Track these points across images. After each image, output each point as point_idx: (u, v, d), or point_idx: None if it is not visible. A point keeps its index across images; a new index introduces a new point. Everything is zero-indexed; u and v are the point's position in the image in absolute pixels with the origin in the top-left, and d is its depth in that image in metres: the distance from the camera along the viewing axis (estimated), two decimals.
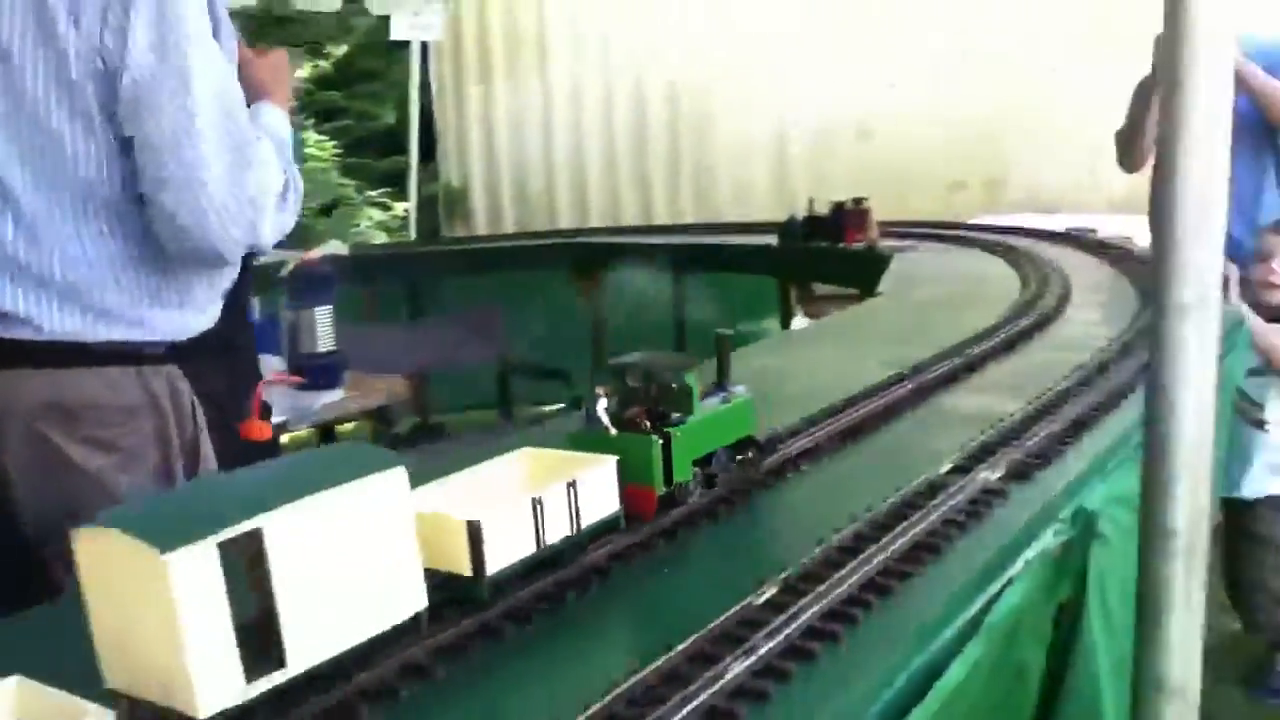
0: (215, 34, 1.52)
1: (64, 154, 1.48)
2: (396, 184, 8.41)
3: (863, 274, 3.47)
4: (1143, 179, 6.57)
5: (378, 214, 8.43)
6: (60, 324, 1.51)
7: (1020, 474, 1.23)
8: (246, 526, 0.70)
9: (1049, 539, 1.13)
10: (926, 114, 7.09)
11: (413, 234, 6.97)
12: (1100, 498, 1.24)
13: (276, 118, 1.64)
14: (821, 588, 0.93)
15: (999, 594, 1.04)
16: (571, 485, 0.97)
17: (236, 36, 1.63)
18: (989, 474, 1.21)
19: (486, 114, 8.09)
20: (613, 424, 1.08)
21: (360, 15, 7.79)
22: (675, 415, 1.10)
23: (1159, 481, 1.04)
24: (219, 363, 1.64)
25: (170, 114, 1.43)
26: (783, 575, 0.95)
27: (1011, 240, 3.33)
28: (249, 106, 1.55)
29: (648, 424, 1.09)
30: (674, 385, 1.11)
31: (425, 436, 4.82)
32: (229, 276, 1.65)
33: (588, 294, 4.71)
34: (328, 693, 0.76)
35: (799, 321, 4.90)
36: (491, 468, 1.04)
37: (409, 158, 7.01)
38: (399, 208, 8.36)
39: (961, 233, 3.82)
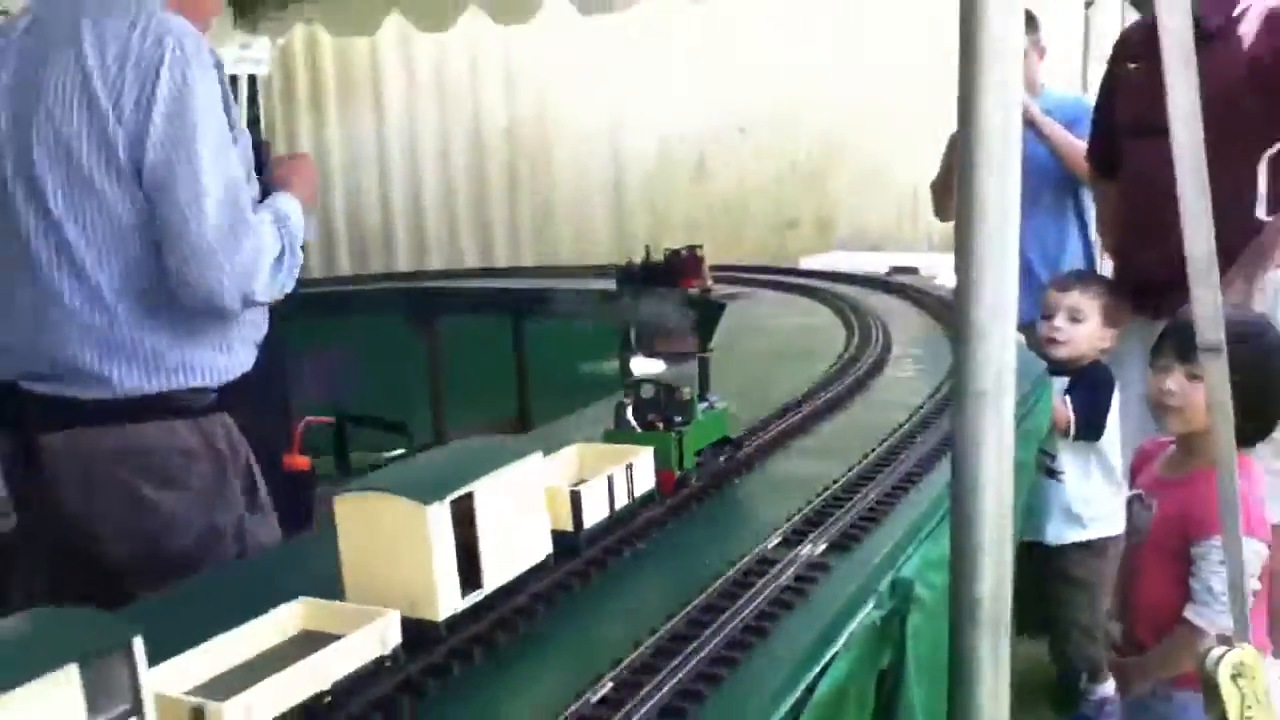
0: (231, 127, 1.83)
1: (113, 218, 1.76)
2: None
3: (697, 321, 3.56)
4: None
5: None
6: (129, 379, 1.80)
7: (842, 546, 1.29)
8: (464, 490, 1.02)
9: (870, 611, 1.19)
10: (762, 154, 7.32)
11: None
12: (916, 564, 1.32)
13: (290, 204, 1.95)
14: (657, 679, 0.96)
15: (825, 668, 1.09)
16: (629, 467, 1.33)
17: (269, 141, 1.98)
18: (812, 549, 1.26)
19: (320, 150, 7.92)
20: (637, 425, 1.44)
21: None
22: (679, 419, 1.44)
23: (965, 555, 1.11)
24: (258, 402, 1.98)
25: (181, 196, 1.72)
26: (618, 669, 0.97)
27: (839, 288, 3.46)
28: (274, 193, 1.94)
29: (661, 425, 1.43)
30: (679, 396, 1.47)
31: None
32: (260, 327, 1.97)
33: (425, 340, 4.65)
34: (500, 607, 1.09)
35: (639, 363, 4.98)
36: (563, 456, 1.37)
37: None
38: None
39: (792, 279, 3.95)
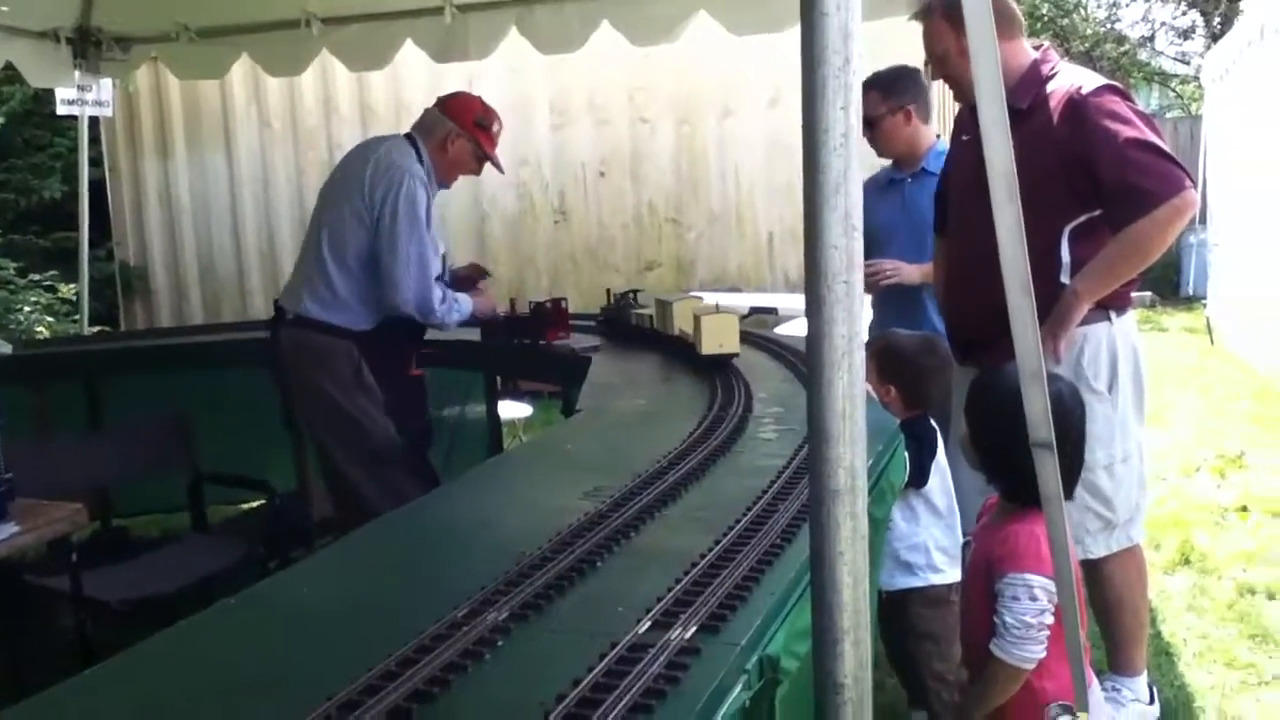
0: (427, 226, 3.37)
1: (346, 240, 3.41)
2: (63, 264, 7.75)
3: (563, 372, 3.63)
4: None
5: (44, 297, 7.72)
6: (325, 314, 3.42)
7: (712, 627, 1.34)
8: None
9: (739, 693, 1.25)
10: (621, 199, 7.45)
11: (85, 320, 6.44)
12: (781, 639, 1.38)
13: (468, 300, 3.58)
14: None
15: None
16: None
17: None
18: (683, 632, 1.31)
19: (167, 191, 7.68)
20: None
21: (16, 83, 7.21)
22: None
23: (827, 642, 1.19)
24: (387, 337, 3.47)
25: (389, 259, 3.33)
26: None
27: None
28: (462, 296, 3.58)
29: None
30: None
31: (108, 545, 4.47)
32: (386, 311, 3.43)
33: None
34: None
35: (507, 406, 4.99)
36: None
37: (80, 235, 6.47)
38: (67, 289, 7.71)
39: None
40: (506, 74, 6.91)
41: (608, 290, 4.22)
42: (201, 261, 7.70)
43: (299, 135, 7.55)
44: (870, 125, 3.51)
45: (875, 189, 3.58)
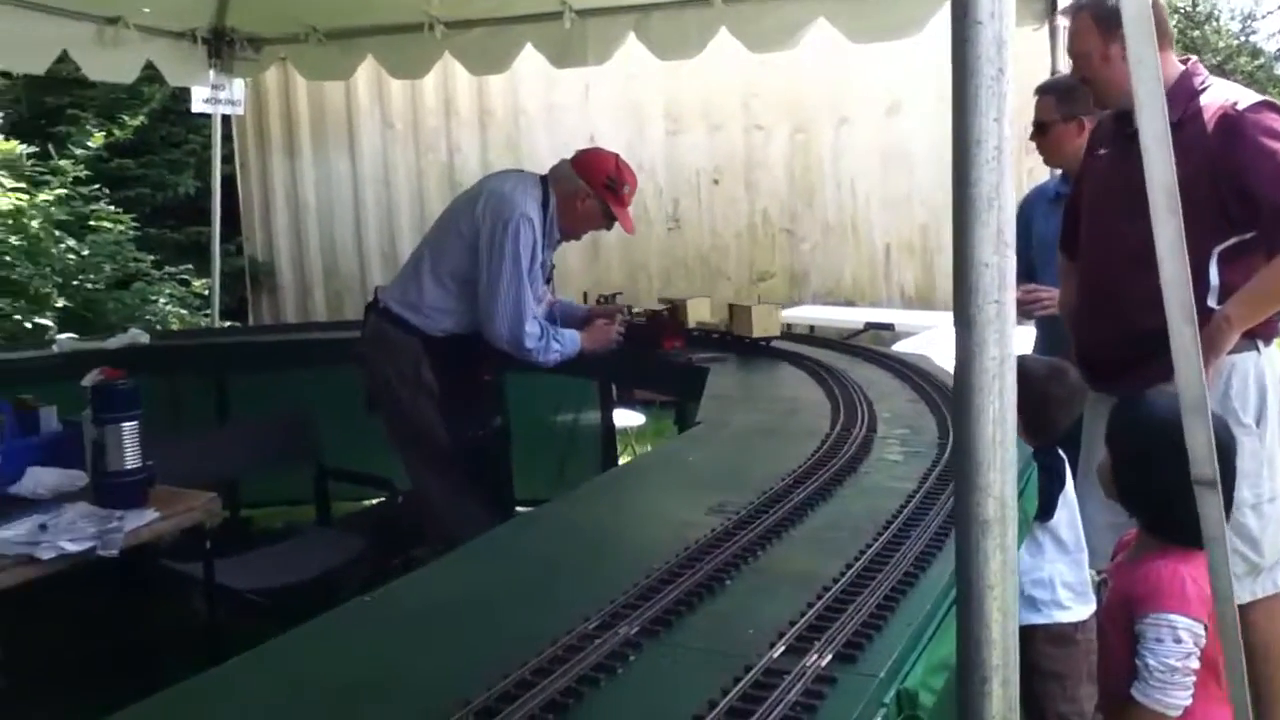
0: (531, 267, 3.45)
1: (448, 255, 3.53)
2: (196, 258, 8.06)
3: (679, 383, 3.62)
4: (929, 277, 7.05)
5: (178, 290, 8.04)
6: (404, 312, 3.55)
7: (848, 656, 1.32)
8: None
9: None
10: (735, 208, 7.41)
11: (216, 314, 6.69)
12: (919, 672, 1.35)
13: (573, 338, 3.61)
14: None
15: None
16: None
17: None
18: (819, 659, 1.29)
19: (294, 189, 7.92)
20: None
21: (156, 83, 7.52)
22: None
23: (973, 680, 1.15)
24: (459, 343, 3.56)
25: (487, 293, 3.43)
26: None
27: (820, 355, 3.51)
28: (568, 333, 3.63)
29: None
30: None
31: (234, 535, 4.61)
32: (465, 323, 3.56)
33: None
34: None
35: (621, 415, 5.01)
36: None
37: (212, 230, 6.74)
38: (199, 283, 8.01)
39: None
40: (623, 80, 6.95)
41: (629, 308, 4.24)
42: (325, 259, 7.92)
43: (420, 137, 7.71)
44: (1041, 131, 3.42)
45: (1043, 200, 3.49)
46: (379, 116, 7.76)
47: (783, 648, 1.33)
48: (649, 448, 5.78)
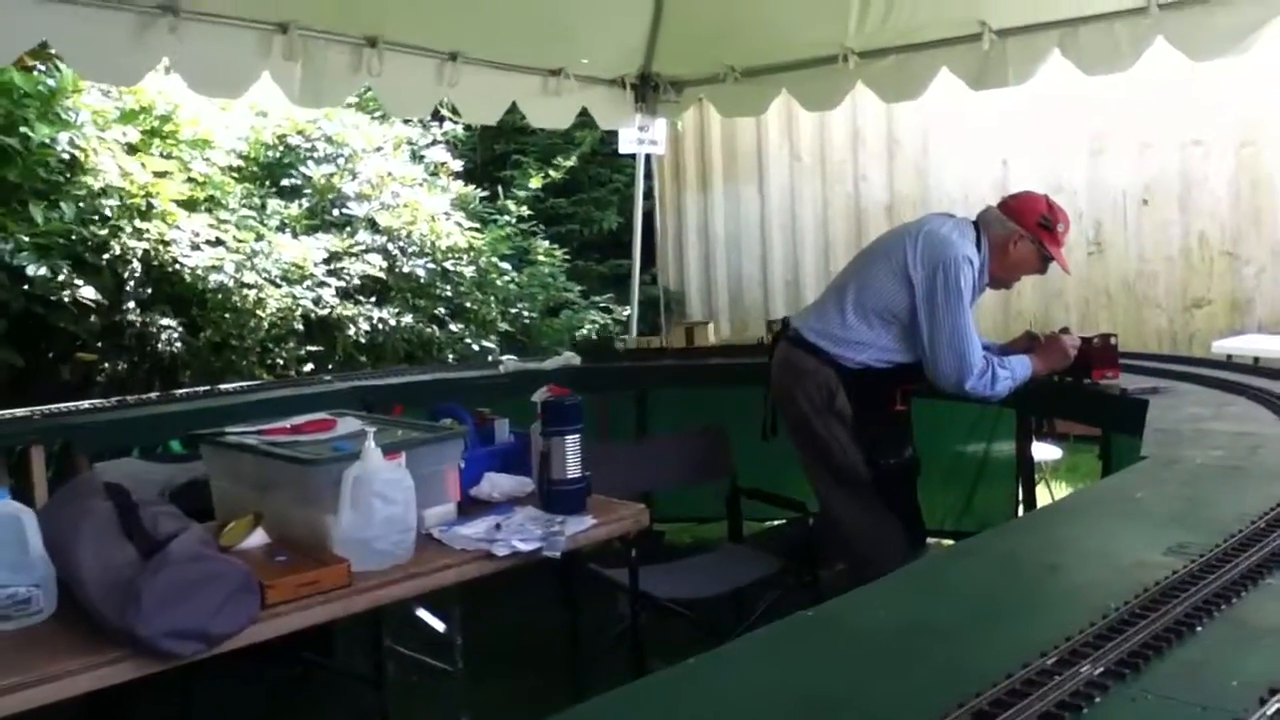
0: (972, 300, 3.44)
1: (876, 291, 3.53)
2: (617, 288, 8.68)
3: (1110, 415, 3.38)
4: None
5: (601, 317, 8.71)
6: (821, 341, 3.61)
7: None
8: None
9: None
10: (1166, 230, 6.84)
11: (633, 336, 7.16)
12: None
13: (1022, 362, 3.56)
14: None
15: None
16: None
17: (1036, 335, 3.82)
18: None
19: (705, 223, 8.31)
20: None
21: (587, 128, 8.19)
22: None
23: None
24: (874, 375, 3.58)
25: (928, 331, 3.42)
26: None
27: (1277, 388, 3.14)
28: (1014, 360, 3.54)
29: None
30: None
31: (649, 546, 4.89)
32: (883, 358, 3.58)
33: None
34: None
35: (1038, 449, 4.75)
36: None
37: (632, 262, 7.25)
38: (620, 311, 8.63)
39: (1215, 372, 3.62)
40: (1034, 100, 6.63)
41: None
42: (731, 290, 8.23)
43: (827, 169, 7.81)
44: None
45: None
46: (788, 150, 7.96)
47: (1276, 705, 1.20)
48: (1063, 484, 5.43)
